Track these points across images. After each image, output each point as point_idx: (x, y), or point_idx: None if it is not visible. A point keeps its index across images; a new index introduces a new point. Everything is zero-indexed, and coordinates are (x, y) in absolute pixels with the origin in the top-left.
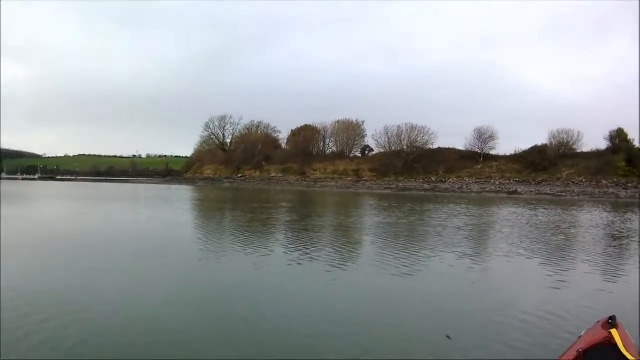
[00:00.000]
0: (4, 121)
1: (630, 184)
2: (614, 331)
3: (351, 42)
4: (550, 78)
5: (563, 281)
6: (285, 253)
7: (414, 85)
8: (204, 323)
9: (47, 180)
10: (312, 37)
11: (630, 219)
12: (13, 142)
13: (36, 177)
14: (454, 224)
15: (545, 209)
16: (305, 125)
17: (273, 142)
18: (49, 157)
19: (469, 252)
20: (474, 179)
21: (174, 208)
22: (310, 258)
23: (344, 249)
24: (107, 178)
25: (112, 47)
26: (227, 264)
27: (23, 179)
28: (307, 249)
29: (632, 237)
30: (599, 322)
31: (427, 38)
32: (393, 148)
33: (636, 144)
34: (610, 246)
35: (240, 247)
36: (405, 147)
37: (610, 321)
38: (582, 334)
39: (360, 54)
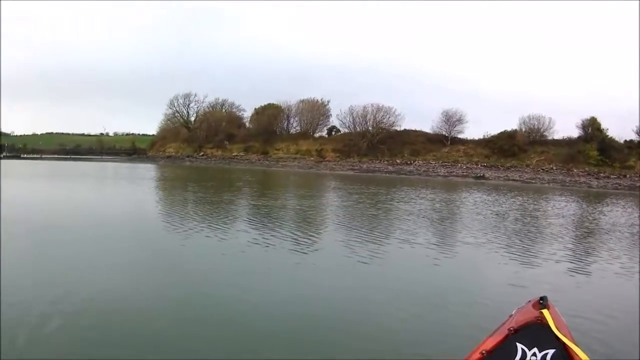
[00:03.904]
0: None
1: (602, 174)
2: (545, 311)
3: (324, 20)
4: (524, 64)
5: (504, 263)
6: (246, 235)
7: (381, 65)
8: (166, 309)
9: (11, 159)
10: (284, 13)
11: (600, 210)
12: None
13: (2, 155)
14: (415, 209)
15: (511, 196)
16: (269, 104)
17: (237, 121)
18: (16, 135)
19: (429, 238)
20: (440, 162)
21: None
22: (273, 242)
23: (300, 235)
24: (73, 157)
25: (76, 15)
26: (190, 249)
27: None
28: (268, 232)
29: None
30: (529, 301)
31: (394, 21)
32: (358, 129)
33: (609, 133)
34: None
35: (202, 229)
36: (370, 128)
37: (541, 301)
38: (513, 312)
39: (334, 32)
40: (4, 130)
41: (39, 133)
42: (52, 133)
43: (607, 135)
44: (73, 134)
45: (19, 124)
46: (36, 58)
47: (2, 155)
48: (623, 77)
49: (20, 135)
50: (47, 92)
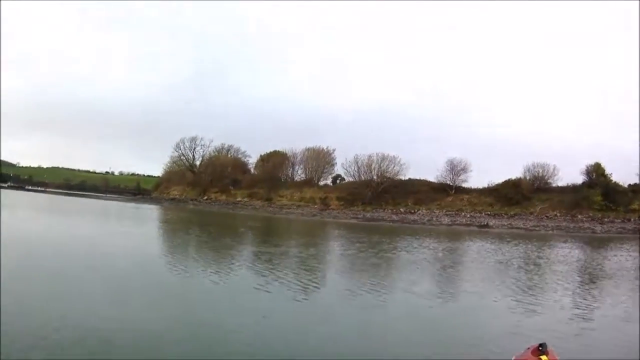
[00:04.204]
0: None
1: (606, 219)
2: (544, 357)
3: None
4: (528, 111)
5: (507, 312)
6: (245, 280)
7: (388, 115)
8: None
9: (16, 189)
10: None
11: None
12: None
13: (6, 185)
14: (417, 258)
15: (515, 244)
16: (275, 151)
17: (242, 167)
18: (22, 167)
19: (431, 287)
20: (444, 211)
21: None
22: (276, 283)
23: (300, 282)
24: (77, 192)
25: (86, 55)
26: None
27: None
28: (272, 276)
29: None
30: (528, 348)
31: (403, 67)
32: (363, 177)
33: (613, 178)
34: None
35: (202, 272)
36: (375, 177)
37: (540, 348)
38: (512, 359)
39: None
40: (10, 160)
41: (44, 166)
42: (58, 167)
43: (612, 180)
44: (79, 170)
45: (25, 156)
46: (47, 90)
47: (7, 185)
48: (628, 120)
49: (26, 167)
50: (56, 126)
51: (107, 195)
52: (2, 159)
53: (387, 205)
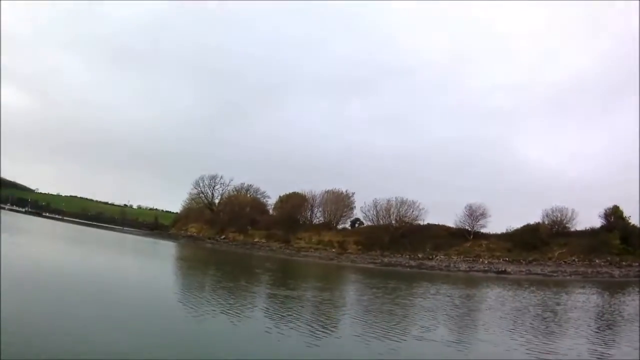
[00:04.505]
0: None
1: (624, 262)
2: None
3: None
4: (548, 155)
5: None
6: (258, 322)
7: (408, 159)
8: None
9: (33, 215)
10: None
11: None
12: (7, 171)
13: (24, 210)
14: (433, 305)
15: (532, 290)
16: (294, 193)
17: (261, 207)
18: (40, 193)
19: (446, 335)
20: (462, 257)
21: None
22: (285, 331)
23: (314, 327)
24: (94, 223)
25: (115, 87)
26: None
27: (9, 209)
28: (281, 321)
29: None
30: None
31: (427, 111)
32: (381, 222)
33: (632, 221)
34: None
35: (215, 313)
36: (393, 222)
37: None
38: None
39: (360, 124)
40: (29, 186)
41: (62, 194)
42: (75, 196)
43: (630, 223)
44: (97, 201)
45: (44, 182)
46: (65, 124)
47: (24, 210)
48: None
49: (45, 193)
50: (77, 156)
51: (124, 228)
52: (23, 183)
53: (405, 251)
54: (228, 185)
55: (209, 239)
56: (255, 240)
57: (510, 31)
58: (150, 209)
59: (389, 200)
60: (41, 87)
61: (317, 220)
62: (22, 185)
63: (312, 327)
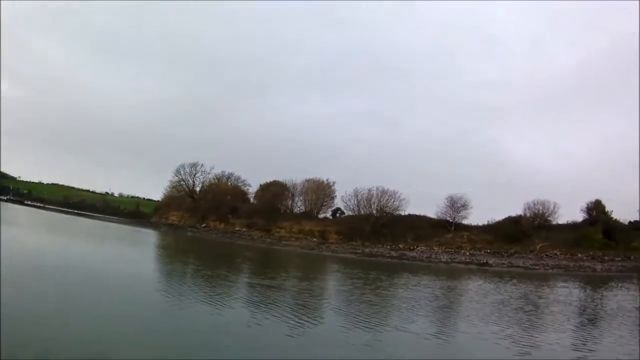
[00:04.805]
0: None
1: (606, 257)
2: None
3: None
4: (534, 151)
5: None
6: (236, 312)
7: (393, 151)
8: None
9: (14, 203)
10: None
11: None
12: None
13: (5, 198)
14: (414, 296)
15: (513, 283)
16: (275, 181)
17: (241, 195)
18: (23, 180)
19: (426, 327)
20: (443, 248)
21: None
22: (262, 322)
23: (293, 317)
24: (75, 211)
25: (97, 75)
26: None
27: None
28: (259, 312)
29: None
30: None
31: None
32: (362, 212)
33: (614, 216)
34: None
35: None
36: (374, 212)
37: None
38: None
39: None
40: (11, 173)
41: (44, 182)
42: (57, 184)
43: (612, 218)
44: (79, 189)
45: (25, 170)
46: (50, 111)
47: (6, 198)
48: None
49: (27, 181)
50: (60, 143)
51: (105, 216)
52: (4, 171)
53: (386, 241)
54: (209, 173)
55: (190, 227)
56: (236, 228)
57: (501, 28)
58: (132, 197)
59: (369, 190)
60: (22, 75)
61: (298, 209)
62: (3, 173)
63: (291, 317)
